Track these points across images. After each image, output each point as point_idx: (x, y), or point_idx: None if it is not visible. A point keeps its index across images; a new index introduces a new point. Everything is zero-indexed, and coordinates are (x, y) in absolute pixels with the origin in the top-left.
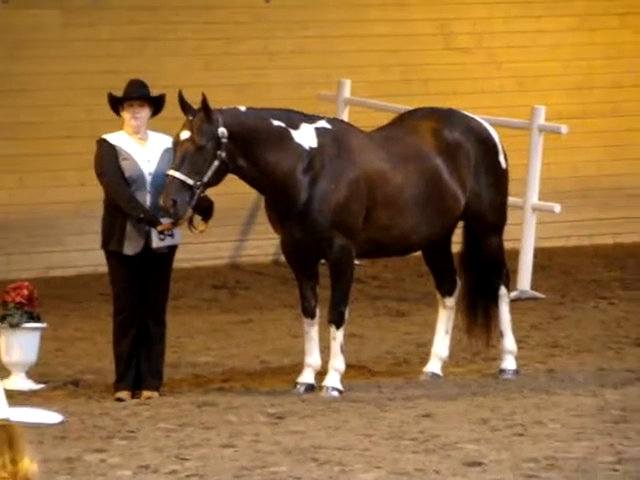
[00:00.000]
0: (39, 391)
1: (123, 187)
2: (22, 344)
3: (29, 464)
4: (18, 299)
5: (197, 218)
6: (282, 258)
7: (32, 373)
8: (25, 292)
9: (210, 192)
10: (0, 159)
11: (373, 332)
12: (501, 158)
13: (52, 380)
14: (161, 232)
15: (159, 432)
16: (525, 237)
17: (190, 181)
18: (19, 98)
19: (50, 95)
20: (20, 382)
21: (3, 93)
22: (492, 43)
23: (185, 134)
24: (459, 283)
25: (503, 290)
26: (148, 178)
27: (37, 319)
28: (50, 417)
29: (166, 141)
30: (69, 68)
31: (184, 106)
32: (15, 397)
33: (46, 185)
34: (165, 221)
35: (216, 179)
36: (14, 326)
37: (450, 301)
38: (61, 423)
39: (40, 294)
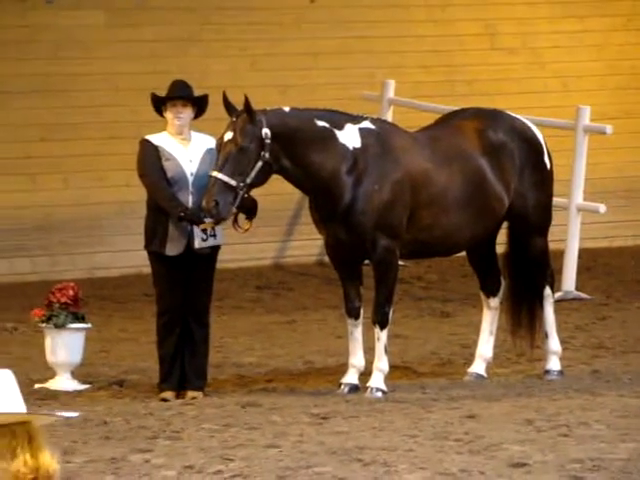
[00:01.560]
0: (84, 391)
1: (165, 187)
2: (67, 344)
3: (50, 460)
4: (63, 300)
5: (241, 217)
6: (326, 259)
7: (77, 373)
8: (70, 293)
9: (254, 192)
10: (44, 160)
11: (417, 333)
12: (546, 158)
13: (97, 380)
14: (204, 231)
15: (203, 432)
16: (570, 238)
17: (233, 182)
18: (63, 99)
19: (94, 96)
20: (65, 382)
21: (47, 93)
22: (536, 43)
23: (228, 135)
24: (503, 284)
25: (548, 291)
26: (190, 178)
27: (82, 319)
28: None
29: (209, 141)
30: (113, 69)
31: (228, 107)
32: (60, 397)
33: (90, 186)
34: (207, 220)
35: (260, 180)
36: (59, 326)
37: (494, 302)
38: (77, 417)
39: (84, 295)
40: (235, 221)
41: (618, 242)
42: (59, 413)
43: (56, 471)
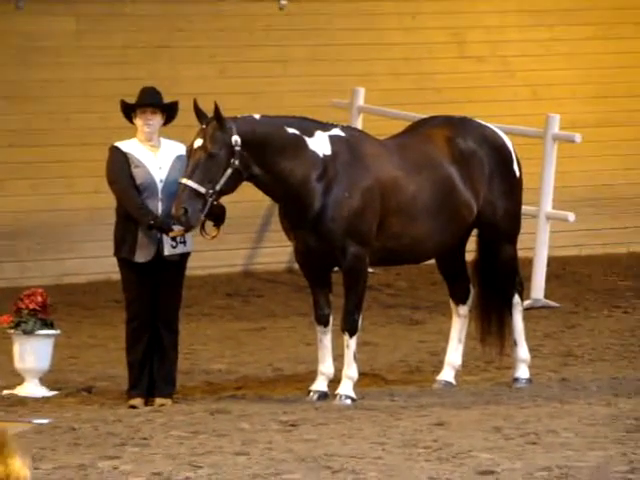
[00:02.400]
0: (52, 398)
1: (134, 194)
2: (36, 351)
3: (21, 467)
4: (32, 306)
5: (209, 224)
6: (296, 266)
7: (45, 380)
8: (39, 299)
9: (223, 199)
10: (13, 166)
11: (386, 340)
12: (515, 166)
13: (65, 387)
14: (173, 239)
15: (172, 439)
16: (539, 246)
17: (202, 189)
18: (32, 105)
19: (64, 102)
20: (33, 389)
21: (16, 100)
22: (506, 51)
23: (198, 142)
24: (473, 291)
25: (517, 299)
26: (159, 185)
27: (50, 326)
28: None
29: (178, 148)
30: (83, 75)
31: (199, 114)
32: (28, 403)
33: (59, 192)
34: (177, 228)
35: (230, 187)
36: (28, 333)
37: (464, 309)
38: (48, 423)
39: (53, 301)
40: (202, 228)
41: (587, 250)
42: (31, 420)
43: (27, 478)
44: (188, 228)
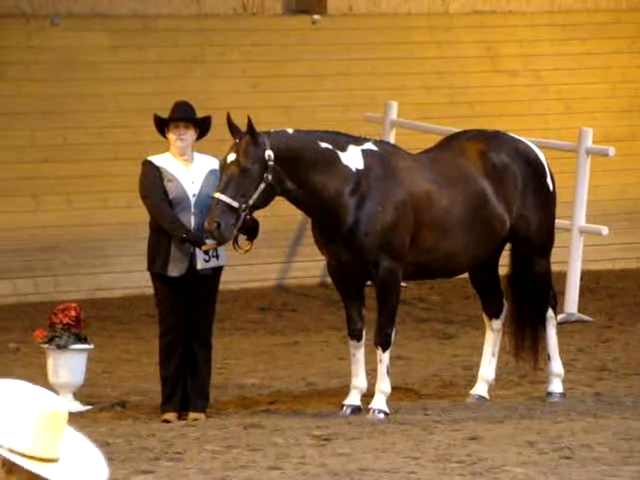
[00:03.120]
0: (86, 412)
1: (166, 208)
2: (69, 365)
3: None
4: (65, 320)
5: (242, 238)
6: (329, 280)
7: (79, 394)
8: (72, 313)
9: (256, 213)
10: (47, 181)
11: (420, 354)
12: (548, 180)
13: (99, 401)
14: (206, 253)
15: (205, 454)
16: (572, 260)
17: (235, 204)
18: (66, 120)
19: (98, 116)
20: (67, 404)
21: (51, 115)
22: (539, 65)
23: (231, 157)
24: (506, 306)
25: (550, 313)
26: (192, 199)
27: (84, 340)
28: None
29: (211, 162)
30: (117, 90)
31: (232, 128)
32: None
33: (93, 207)
34: (209, 242)
35: (263, 202)
36: (61, 347)
37: (497, 324)
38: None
39: (87, 315)
40: (235, 242)
41: (621, 264)
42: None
43: None
44: (221, 242)
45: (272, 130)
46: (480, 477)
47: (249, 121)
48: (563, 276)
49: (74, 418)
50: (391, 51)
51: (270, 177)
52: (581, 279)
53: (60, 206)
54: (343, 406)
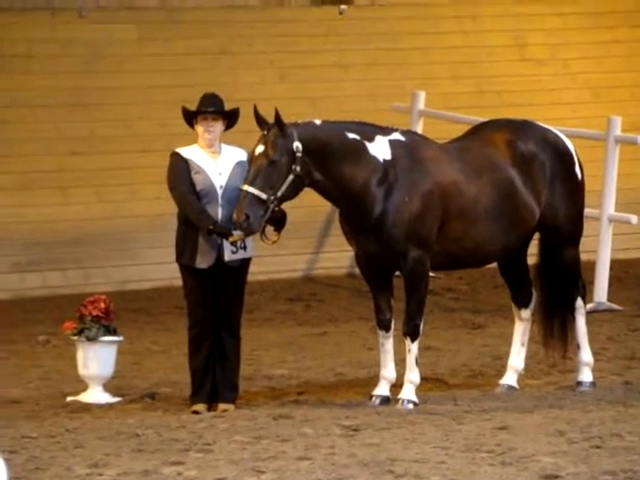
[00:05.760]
0: (116, 404)
1: (194, 200)
2: (99, 357)
3: None
4: (95, 312)
5: (269, 229)
6: (357, 271)
7: (109, 386)
8: (102, 305)
9: (284, 204)
10: (75, 173)
11: (449, 344)
12: (577, 169)
13: (128, 393)
14: (233, 244)
15: (235, 445)
16: (601, 249)
17: (264, 196)
18: (94, 112)
19: (125, 109)
20: (97, 395)
21: (78, 107)
22: (566, 54)
23: (260, 149)
24: (535, 295)
25: (579, 302)
26: (219, 191)
27: (114, 332)
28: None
29: (238, 154)
30: (144, 82)
31: (259, 120)
32: (92, 410)
33: (122, 199)
34: (237, 234)
35: (291, 193)
36: (91, 339)
37: (526, 313)
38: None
39: (116, 307)
40: (263, 233)
41: None
42: None
43: None
44: (249, 234)
45: (300, 121)
46: (510, 467)
47: (277, 113)
48: (592, 265)
49: (104, 410)
50: (418, 41)
51: (298, 168)
52: (610, 268)
53: (88, 199)
54: (372, 396)
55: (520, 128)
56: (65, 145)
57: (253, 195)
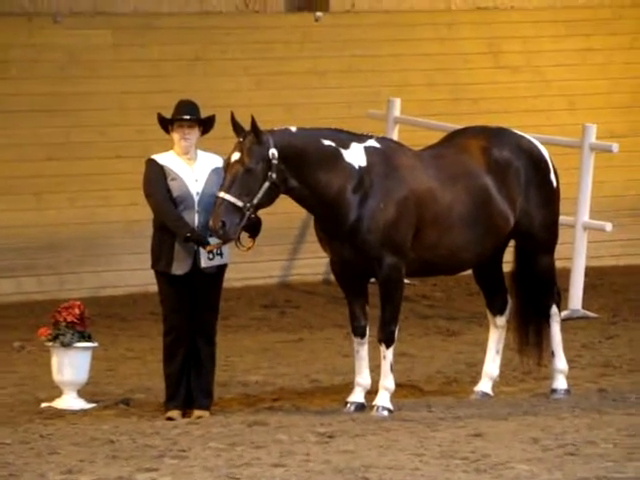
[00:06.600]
0: (90, 410)
1: (170, 207)
2: (73, 363)
3: None
4: (70, 318)
5: (244, 235)
6: (332, 277)
7: (83, 392)
8: (76, 311)
9: (259, 211)
10: (50, 179)
11: (423, 351)
12: (552, 176)
13: (103, 399)
14: (210, 252)
15: (210, 451)
16: (576, 256)
17: (240, 203)
18: (69, 118)
19: (100, 115)
20: (71, 401)
21: (53, 113)
22: (541, 62)
23: (236, 156)
24: (510, 302)
25: (554, 309)
26: (196, 198)
27: (88, 338)
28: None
29: (214, 160)
30: (119, 88)
31: (236, 127)
32: (66, 416)
33: (96, 205)
34: (213, 241)
35: (267, 200)
36: (66, 345)
37: (501, 320)
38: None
39: (91, 313)
40: (238, 239)
41: (625, 260)
42: None
43: None
44: (226, 241)
45: (275, 128)
46: (484, 474)
47: (253, 120)
48: (567, 272)
49: (78, 416)
50: (394, 48)
51: (274, 176)
52: (585, 275)
53: (63, 204)
54: (347, 403)
55: (495, 135)
56: (39, 151)
57: (229, 202)
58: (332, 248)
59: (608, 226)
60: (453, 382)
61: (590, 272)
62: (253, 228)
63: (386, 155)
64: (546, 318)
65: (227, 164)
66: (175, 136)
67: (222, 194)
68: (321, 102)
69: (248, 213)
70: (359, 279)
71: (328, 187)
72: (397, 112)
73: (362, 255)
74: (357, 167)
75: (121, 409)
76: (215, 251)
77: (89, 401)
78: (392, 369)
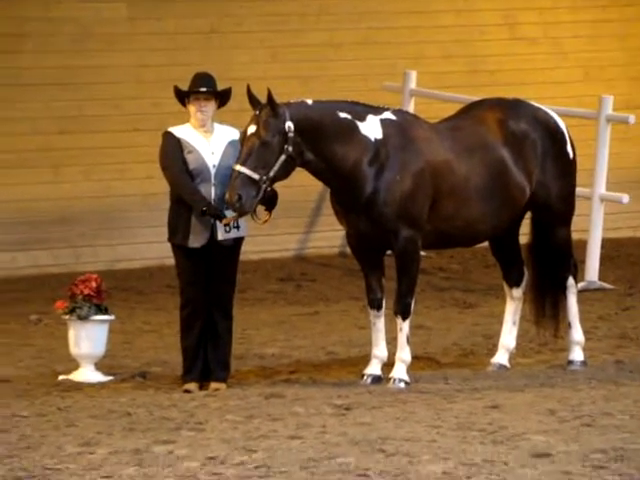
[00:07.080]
0: (107, 383)
1: (187, 180)
2: (90, 336)
3: None
4: (86, 291)
5: (260, 208)
6: (348, 250)
7: (100, 365)
8: (93, 284)
9: (275, 184)
10: (65, 152)
11: (440, 323)
12: (569, 148)
13: (120, 372)
14: (226, 224)
15: (226, 424)
16: (593, 228)
17: (256, 176)
18: (85, 91)
19: (116, 88)
20: (89, 374)
21: (69, 86)
22: (558, 33)
23: (252, 128)
24: (527, 274)
25: (571, 281)
26: (212, 170)
27: (105, 311)
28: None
29: (231, 133)
30: (135, 61)
31: (252, 100)
32: (84, 389)
33: (112, 178)
34: (229, 214)
35: (283, 173)
36: (83, 318)
37: (518, 292)
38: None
39: (107, 287)
40: (254, 212)
41: None
42: None
43: None
44: (242, 214)
45: (291, 101)
46: (501, 445)
47: (269, 93)
48: (584, 244)
49: (96, 389)
50: (410, 20)
51: (290, 148)
52: (602, 247)
53: (78, 177)
54: (363, 375)
55: (511, 107)
56: (54, 124)
57: (245, 175)
58: (348, 221)
59: (625, 198)
60: (470, 354)
61: (606, 244)
62: (269, 201)
63: (402, 127)
64: (563, 290)
65: (243, 137)
66: (191, 109)
67: (238, 167)
68: (337, 74)
69: (264, 186)
70: (375, 252)
71: (344, 160)
72: (413, 84)
73: (378, 228)
74: (373, 139)
75: (138, 382)
76: (232, 224)
77: (106, 374)
78: (408, 341)
